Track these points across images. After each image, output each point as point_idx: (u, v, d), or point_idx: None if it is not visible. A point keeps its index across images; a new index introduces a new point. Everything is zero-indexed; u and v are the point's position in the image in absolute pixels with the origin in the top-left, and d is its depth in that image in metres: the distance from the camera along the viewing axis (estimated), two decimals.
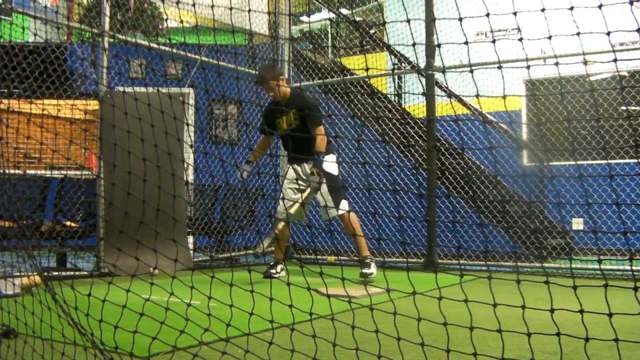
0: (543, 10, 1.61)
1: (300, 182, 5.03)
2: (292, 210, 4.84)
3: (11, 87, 5.25)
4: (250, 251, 7.11)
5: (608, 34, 1.49)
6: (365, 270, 4.72)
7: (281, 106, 4.99)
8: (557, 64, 5.18)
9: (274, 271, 5.05)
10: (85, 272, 5.16)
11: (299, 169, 5.12)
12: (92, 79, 6.58)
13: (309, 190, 4.88)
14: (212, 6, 2.25)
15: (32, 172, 5.72)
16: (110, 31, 5.55)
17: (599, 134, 7.10)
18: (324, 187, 4.81)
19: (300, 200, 4.82)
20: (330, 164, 4.92)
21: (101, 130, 4.95)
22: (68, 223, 5.78)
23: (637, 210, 6.35)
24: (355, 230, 4.82)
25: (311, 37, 9.89)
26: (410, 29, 2.03)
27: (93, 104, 7.22)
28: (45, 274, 3.35)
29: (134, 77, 7.69)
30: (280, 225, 5.05)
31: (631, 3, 1.45)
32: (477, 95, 1.79)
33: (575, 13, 1.57)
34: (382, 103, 8.24)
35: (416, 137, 7.31)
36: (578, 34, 1.55)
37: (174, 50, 6.30)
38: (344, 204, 4.90)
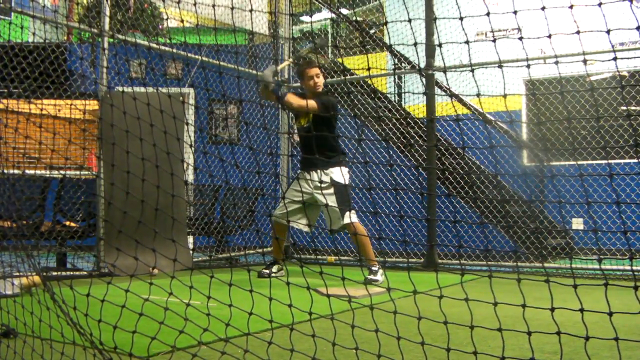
0: (543, 9, 1.61)
1: (304, 190, 4.94)
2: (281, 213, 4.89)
3: (11, 87, 5.24)
4: (252, 251, 7.11)
5: (608, 32, 1.49)
6: (370, 277, 4.68)
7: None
8: (557, 62, 5.17)
9: (267, 271, 5.04)
10: (85, 272, 5.16)
11: (308, 176, 4.96)
12: (92, 79, 6.58)
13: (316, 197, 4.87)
14: (213, 6, 2.24)
15: (31, 172, 5.72)
16: (110, 31, 5.54)
17: (599, 134, 7.10)
18: (332, 198, 4.76)
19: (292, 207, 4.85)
20: (340, 175, 4.83)
21: (101, 130, 4.95)
22: (68, 223, 5.78)
23: (637, 210, 6.35)
24: (362, 240, 4.78)
25: (311, 37, 9.88)
26: (412, 28, 2.03)
27: (93, 104, 7.22)
28: (44, 274, 3.34)
29: (133, 77, 7.69)
30: (278, 226, 5.06)
31: (631, 1, 1.45)
32: (478, 95, 1.78)
33: (575, 13, 1.56)
34: (382, 103, 8.24)
35: (416, 137, 7.31)
36: (578, 32, 1.55)
37: (174, 50, 6.30)
38: (353, 216, 4.80)
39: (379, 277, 4.69)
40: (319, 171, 4.87)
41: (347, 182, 4.89)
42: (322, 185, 4.82)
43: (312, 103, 4.73)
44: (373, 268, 4.75)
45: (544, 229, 6.83)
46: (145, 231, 2.54)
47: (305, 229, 5.20)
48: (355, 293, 3.57)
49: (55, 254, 5.59)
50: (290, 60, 5.20)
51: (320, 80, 4.93)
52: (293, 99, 4.77)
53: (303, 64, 5.02)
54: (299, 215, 5.00)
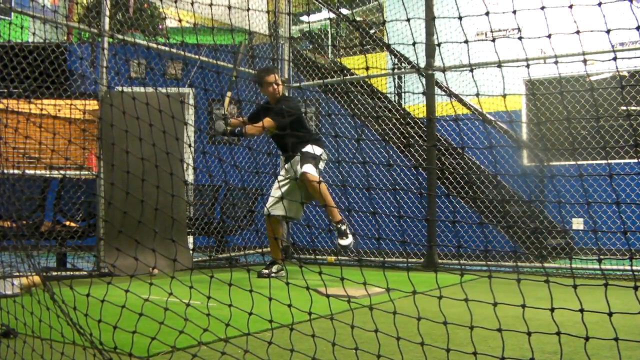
0: (543, 8, 1.61)
1: (286, 176, 5.12)
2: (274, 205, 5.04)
3: (11, 87, 5.24)
4: (251, 251, 7.11)
5: (608, 32, 1.49)
6: (342, 242, 4.70)
7: (270, 106, 5.10)
8: (556, 62, 5.18)
9: (267, 271, 5.06)
10: (85, 272, 5.16)
11: (287, 166, 5.17)
12: (92, 79, 6.58)
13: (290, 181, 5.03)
14: (211, 5, 2.24)
15: (31, 172, 5.72)
16: (110, 31, 5.54)
17: (599, 134, 7.09)
18: (298, 163, 4.90)
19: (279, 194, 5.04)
20: (309, 149, 4.94)
21: (101, 130, 4.95)
22: (68, 223, 5.78)
23: (637, 210, 6.34)
24: (315, 189, 4.71)
25: (311, 37, 9.88)
26: (411, 28, 2.02)
27: (93, 104, 7.21)
28: (44, 274, 3.34)
29: (133, 77, 7.68)
30: (272, 221, 5.13)
31: (631, 1, 1.45)
32: (477, 95, 1.78)
33: (575, 13, 1.56)
34: (382, 103, 8.24)
35: (416, 137, 7.31)
36: (578, 32, 1.55)
37: (174, 50, 6.30)
38: (308, 167, 4.80)
39: (350, 238, 4.70)
40: (295, 158, 5.05)
41: (316, 154, 4.95)
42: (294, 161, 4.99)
43: (268, 122, 4.87)
44: (340, 227, 4.75)
45: (544, 229, 6.82)
46: (145, 231, 2.54)
47: (293, 214, 5.27)
48: (354, 293, 3.57)
49: (55, 254, 5.59)
50: (230, 93, 5.30)
51: (279, 87, 5.10)
52: (251, 130, 4.95)
53: (261, 72, 5.19)
54: (287, 204, 5.12)
